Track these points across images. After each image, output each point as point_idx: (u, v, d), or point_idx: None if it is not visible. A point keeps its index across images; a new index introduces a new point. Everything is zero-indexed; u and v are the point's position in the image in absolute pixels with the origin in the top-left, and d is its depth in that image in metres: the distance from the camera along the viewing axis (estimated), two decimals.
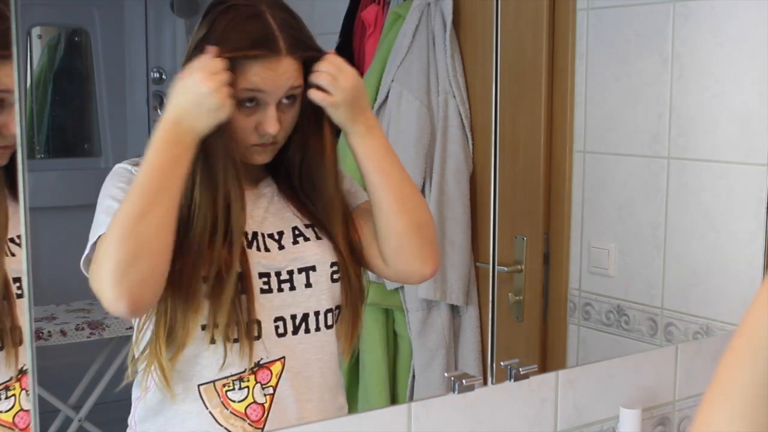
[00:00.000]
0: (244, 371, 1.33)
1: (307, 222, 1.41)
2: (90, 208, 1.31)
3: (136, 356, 1.33)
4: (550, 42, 1.91)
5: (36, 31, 1.99)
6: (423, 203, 1.44)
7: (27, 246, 1.19)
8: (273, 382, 1.35)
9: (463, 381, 1.55)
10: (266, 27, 1.29)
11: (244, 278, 1.32)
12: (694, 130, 1.97)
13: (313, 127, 1.38)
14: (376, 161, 1.37)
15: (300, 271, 1.37)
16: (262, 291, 1.34)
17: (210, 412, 1.34)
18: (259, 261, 1.34)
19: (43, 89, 2.01)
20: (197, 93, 1.22)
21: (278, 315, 1.35)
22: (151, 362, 1.31)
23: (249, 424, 1.35)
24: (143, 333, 1.33)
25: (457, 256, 1.80)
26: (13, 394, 1.26)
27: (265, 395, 1.35)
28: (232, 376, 1.33)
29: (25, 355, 1.23)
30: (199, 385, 1.33)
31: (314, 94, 1.33)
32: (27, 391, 1.24)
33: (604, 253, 2.02)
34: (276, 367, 1.35)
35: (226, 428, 1.34)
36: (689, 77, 1.96)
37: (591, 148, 2.00)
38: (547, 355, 1.98)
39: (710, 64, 1.95)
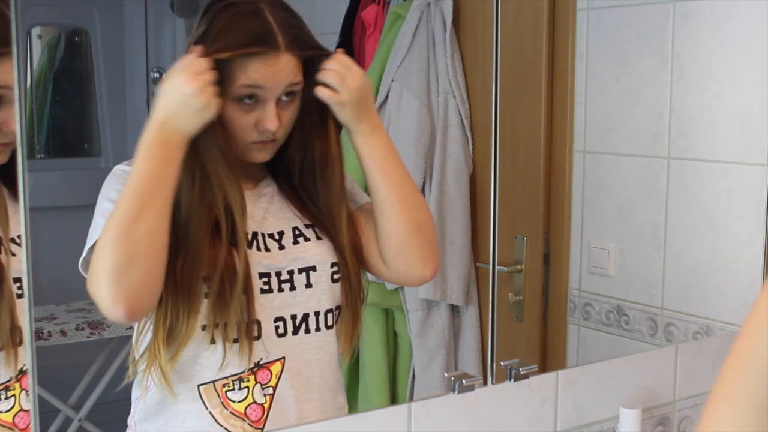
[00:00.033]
0: (243, 371, 1.33)
1: (308, 222, 1.41)
2: (90, 208, 1.31)
3: (137, 358, 1.33)
4: (550, 42, 1.91)
5: (36, 31, 1.99)
6: (424, 203, 1.45)
7: (27, 246, 1.19)
8: (273, 383, 1.35)
9: (463, 381, 1.55)
10: (265, 24, 1.29)
11: (244, 278, 1.31)
12: (694, 130, 1.97)
13: (316, 126, 1.38)
14: (379, 161, 1.38)
15: (300, 271, 1.37)
16: (263, 291, 1.34)
17: (210, 413, 1.34)
18: (259, 261, 1.34)
19: (43, 89, 2.01)
20: (182, 94, 1.22)
21: (278, 315, 1.35)
22: (151, 362, 1.31)
23: (249, 424, 1.35)
24: (143, 335, 1.32)
25: (457, 256, 1.80)
26: (13, 394, 1.26)
27: (264, 395, 1.35)
28: (231, 376, 1.33)
29: (25, 355, 1.23)
30: (198, 386, 1.33)
31: (321, 92, 1.33)
32: (27, 391, 1.24)
33: (604, 253, 2.02)
34: (276, 368, 1.35)
35: (225, 428, 1.34)
36: (689, 77, 1.96)
37: (591, 148, 2.00)
38: (547, 355, 1.98)
39: (710, 64, 1.95)
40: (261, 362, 1.34)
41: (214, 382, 1.33)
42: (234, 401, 1.34)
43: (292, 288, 1.36)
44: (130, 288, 1.19)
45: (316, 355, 1.38)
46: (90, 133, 2.07)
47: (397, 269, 1.41)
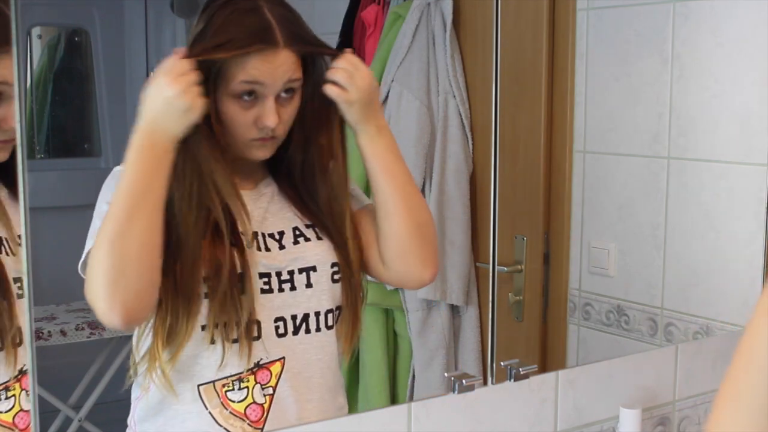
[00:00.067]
0: (243, 371, 1.33)
1: (308, 222, 1.41)
2: (90, 208, 1.31)
3: (137, 360, 1.33)
4: (550, 42, 1.91)
5: (36, 31, 1.99)
6: (425, 204, 1.45)
7: (27, 246, 1.19)
8: (272, 383, 1.35)
9: (463, 381, 1.55)
10: (264, 20, 1.29)
11: (244, 278, 1.31)
12: (694, 130, 1.97)
13: (318, 125, 1.38)
14: (384, 162, 1.38)
15: (301, 271, 1.37)
16: (263, 291, 1.34)
17: (209, 413, 1.33)
18: (259, 261, 1.34)
19: (43, 89, 2.01)
20: (166, 96, 1.22)
21: (278, 315, 1.35)
22: (151, 363, 1.31)
23: (248, 424, 1.35)
24: (144, 339, 1.32)
25: (457, 256, 1.80)
26: (13, 395, 1.26)
27: (264, 395, 1.35)
28: (231, 376, 1.33)
29: (25, 355, 1.23)
30: (198, 386, 1.33)
31: (330, 90, 1.33)
32: (27, 391, 1.24)
33: (604, 253, 2.02)
34: (275, 368, 1.35)
35: (225, 428, 1.34)
36: (689, 77, 1.96)
37: (591, 148, 2.00)
38: (547, 355, 1.98)
39: (710, 64, 1.95)
40: (261, 362, 1.34)
41: (213, 382, 1.33)
42: (234, 401, 1.34)
43: (293, 288, 1.36)
44: (126, 292, 1.19)
45: (316, 355, 1.38)
46: (90, 133, 2.07)
47: (397, 271, 1.41)
